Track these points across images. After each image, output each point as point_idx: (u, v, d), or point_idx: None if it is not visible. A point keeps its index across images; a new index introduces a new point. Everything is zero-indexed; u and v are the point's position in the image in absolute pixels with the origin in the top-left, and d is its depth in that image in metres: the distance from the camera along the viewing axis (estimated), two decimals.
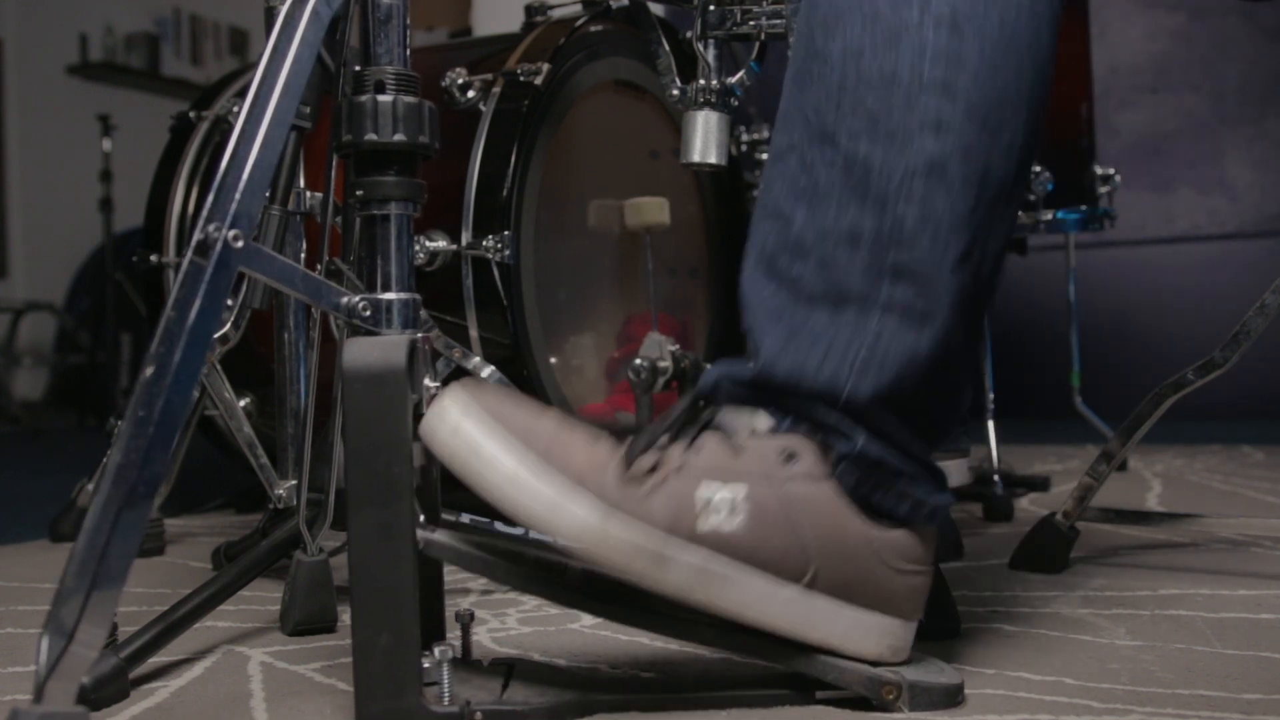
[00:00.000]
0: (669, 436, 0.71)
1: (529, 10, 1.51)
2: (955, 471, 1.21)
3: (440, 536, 0.69)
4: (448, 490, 0.75)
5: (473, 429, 0.68)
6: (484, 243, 1.29)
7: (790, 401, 0.72)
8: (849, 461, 0.71)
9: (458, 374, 1.18)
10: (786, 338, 0.72)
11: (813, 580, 0.70)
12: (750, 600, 0.69)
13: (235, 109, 1.58)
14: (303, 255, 1.09)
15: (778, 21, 1.12)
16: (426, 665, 0.66)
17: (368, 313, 0.70)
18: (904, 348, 0.70)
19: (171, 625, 0.84)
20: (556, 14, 1.51)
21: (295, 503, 1.01)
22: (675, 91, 1.16)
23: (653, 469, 0.69)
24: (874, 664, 0.71)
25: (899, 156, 0.70)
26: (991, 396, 1.65)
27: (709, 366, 1.42)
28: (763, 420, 0.73)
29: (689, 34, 1.19)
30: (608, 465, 0.69)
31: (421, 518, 0.69)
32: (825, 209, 0.72)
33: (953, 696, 0.70)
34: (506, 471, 0.67)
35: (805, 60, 0.75)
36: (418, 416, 0.70)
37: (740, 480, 0.70)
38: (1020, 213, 1.63)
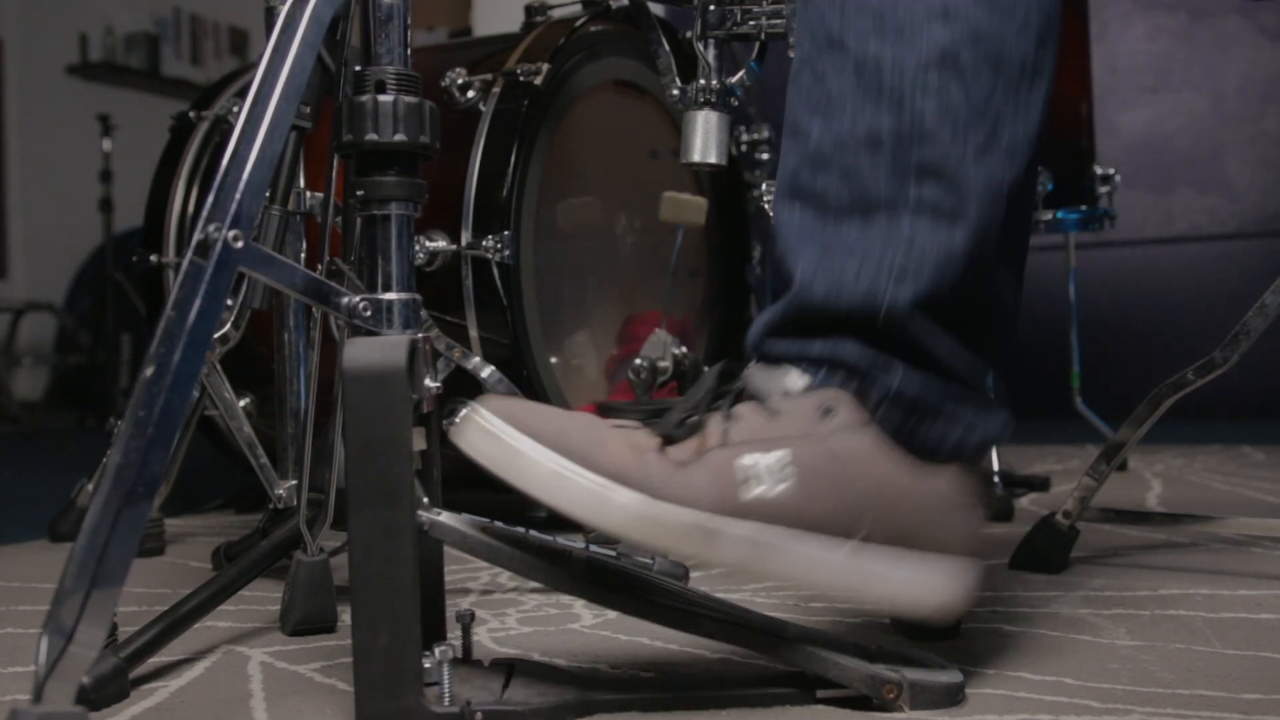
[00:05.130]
0: (703, 411, 0.70)
1: (529, 10, 1.51)
2: None
3: (445, 519, 0.69)
4: (447, 491, 0.75)
5: (509, 434, 0.68)
6: (484, 243, 1.29)
7: (822, 346, 0.70)
8: (889, 402, 0.69)
9: (458, 374, 1.18)
10: (820, 256, 0.71)
11: (868, 535, 0.68)
12: (804, 564, 0.68)
13: (235, 109, 1.58)
14: (303, 255, 1.09)
15: (778, 21, 1.12)
16: (427, 665, 0.66)
17: (368, 313, 0.70)
18: (939, 247, 0.69)
19: (171, 625, 0.84)
20: (556, 14, 1.51)
21: (295, 503, 1.01)
22: (675, 91, 1.16)
23: (693, 450, 0.68)
24: (941, 613, 0.70)
25: (909, 50, 0.69)
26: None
27: (707, 367, 1.43)
28: (795, 379, 0.71)
29: (689, 34, 1.20)
30: (647, 451, 0.68)
31: (425, 499, 0.69)
32: (840, 115, 0.70)
33: (953, 696, 0.70)
34: (548, 471, 0.67)
35: None
36: (419, 417, 0.70)
37: (781, 445, 0.68)
38: None
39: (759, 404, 0.71)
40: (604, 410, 0.74)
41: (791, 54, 1.09)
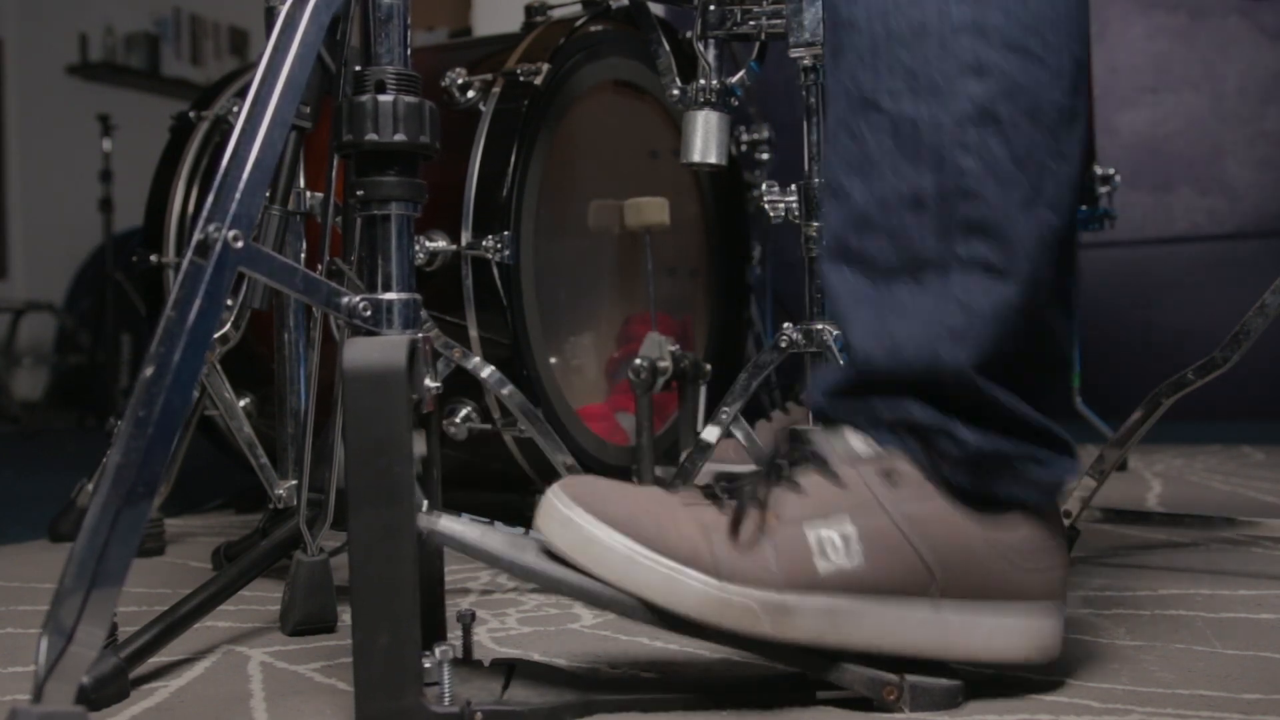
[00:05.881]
0: (767, 484, 0.71)
1: (529, 10, 1.51)
2: None
3: (444, 524, 0.69)
4: (447, 491, 0.75)
5: (582, 521, 0.69)
6: (484, 243, 1.29)
7: (885, 406, 0.71)
8: (954, 462, 0.69)
9: (458, 374, 1.18)
10: (874, 320, 0.71)
11: (943, 592, 0.69)
12: (884, 631, 0.69)
13: (235, 109, 1.58)
14: (303, 255, 1.09)
15: (778, 21, 1.12)
16: (427, 665, 0.66)
17: (368, 313, 0.70)
18: (994, 303, 0.69)
19: (171, 625, 0.84)
20: (556, 14, 1.51)
21: (295, 503, 1.01)
22: (675, 91, 1.16)
23: (760, 525, 0.69)
24: (1033, 660, 0.71)
25: (945, 108, 0.68)
26: None
27: (708, 365, 1.43)
28: (858, 441, 0.71)
29: (689, 34, 1.20)
30: (715, 531, 0.69)
31: (425, 505, 0.69)
32: (881, 176, 0.70)
33: (953, 696, 0.70)
34: (620, 559, 0.68)
35: (834, 32, 0.74)
36: (418, 417, 0.70)
37: (848, 514, 0.69)
38: None
39: (823, 471, 0.71)
40: (666, 484, 0.75)
41: (792, 54, 1.09)
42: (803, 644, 0.69)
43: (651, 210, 1.44)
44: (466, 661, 0.74)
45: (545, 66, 1.35)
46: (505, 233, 1.28)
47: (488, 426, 1.32)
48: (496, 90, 1.36)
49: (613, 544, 0.69)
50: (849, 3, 0.72)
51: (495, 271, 1.29)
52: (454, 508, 0.71)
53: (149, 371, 0.63)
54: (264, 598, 1.06)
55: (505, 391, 1.19)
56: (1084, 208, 1.72)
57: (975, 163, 0.68)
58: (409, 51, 0.73)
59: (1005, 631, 0.70)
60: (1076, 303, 1.93)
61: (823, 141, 0.75)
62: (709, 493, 0.73)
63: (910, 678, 0.69)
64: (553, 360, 1.42)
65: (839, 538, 0.68)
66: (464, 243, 1.31)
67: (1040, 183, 0.69)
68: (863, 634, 0.69)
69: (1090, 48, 0.72)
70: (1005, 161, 0.68)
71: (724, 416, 1.15)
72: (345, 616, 0.94)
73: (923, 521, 0.69)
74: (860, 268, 0.72)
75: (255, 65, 0.70)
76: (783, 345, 1.12)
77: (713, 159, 1.14)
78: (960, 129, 0.68)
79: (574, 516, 0.70)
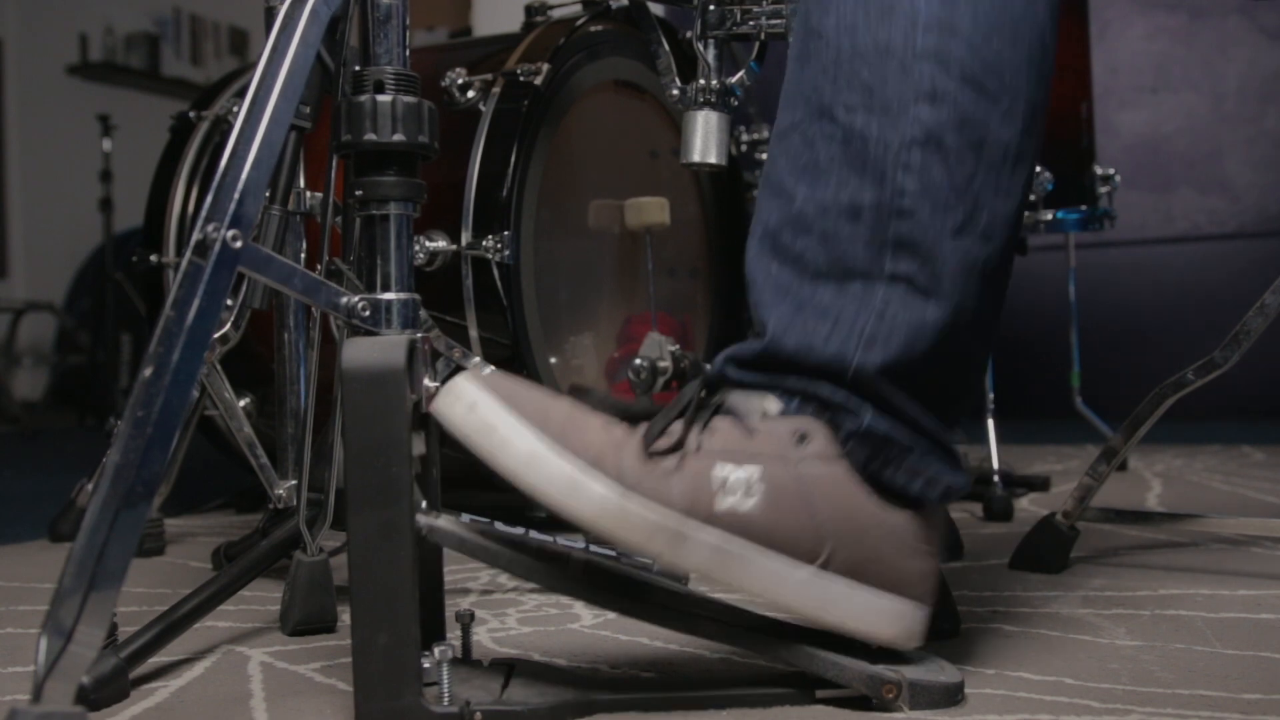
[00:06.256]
0: (682, 420, 0.71)
1: (529, 10, 1.51)
2: None
3: (443, 523, 0.69)
4: (447, 491, 0.75)
5: (489, 408, 0.68)
6: (484, 243, 1.29)
7: (796, 381, 0.72)
8: (857, 439, 0.71)
9: (458, 374, 1.18)
10: (793, 313, 0.72)
11: (827, 561, 0.70)
12: (767, 581, 0.69)
13: (235, 109, 1.58)
14: (303, 255, 1.09)
15: (778, 21, 1.12)
16: (426, 665, 0.66)
17: (367, 313, 0.70)
18: (910, 319, 0.70)
19: (171, 625, 0.84)
20: (556, 14, 1.51)
21: (295, 503, 1.01)
22: (675, 91, 1.16)
23: (670, 450, 0.69)
24: (887, 648, 0.71)
25: (895, 128, 0.70)
26: (991, 396, 1.65)
27: (707, 365, 1.43)
28: (772, 403, 0.72)
29: (689, 34, 1.19)
30: (624, 446, 0.69)
31: (424, 504, 0.69)
32: (825, 183, 0.72)
33: (953, 695, 0.70)
34: (524, 450, 0.67)
35: (804, 39, 0.75)
36: (419, 416, 0.70)
37: (755, 461, 0.69)
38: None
39: (736, 420, 0.72)
40: (574, 392, 0.74)
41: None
42: (688, 571, 0.69)
43: (651, 210, 1.44)
44: (466, 661, 0.74)
45: (545, 66, 1.35)
46: (505, 233, 1.28)
47: None
48: (496, 90, 1.36)
49: (517, 434, 0.67)
50: (821, 13, 0.73)
51: (495, 271, 1.29)
52: (454, 508, 0.71)
53: (148, 371, 0.63)
54: (264, 598, 1.06)
55: None
56: (1084, 208, 1.72)
57: (915, 184, 0.70)
58: (408, 51, 0.73)
59: (878, 610, 0.71)
60: (1074, 302, 1.94)
61: (773, 139, 0.76)
62: (624, 416, 0.73)
63: (910, 676, 0.69)
64: (553, 360, 1.42)
65: (743, 481, 0.69)
66: (464, 243, 1.31)
67: (975, 213, 0.71)
68: (746, 577, 0.69)
69: (1049, 89, 0.75)
70: (944, 188, 0.70)
71: None
72: (345, 616, 0.94)
73: (822, 484, 0.70)
74: (789, 265, 0.73)
75: (255, 65, 0.70)
76: None
77: (713, 159, 1.14)
78: (906, 150, 0.70)
79: (482, 401, 0.68)
